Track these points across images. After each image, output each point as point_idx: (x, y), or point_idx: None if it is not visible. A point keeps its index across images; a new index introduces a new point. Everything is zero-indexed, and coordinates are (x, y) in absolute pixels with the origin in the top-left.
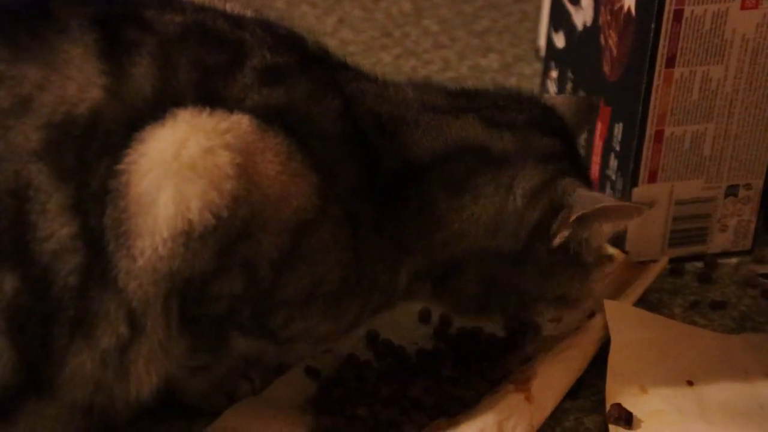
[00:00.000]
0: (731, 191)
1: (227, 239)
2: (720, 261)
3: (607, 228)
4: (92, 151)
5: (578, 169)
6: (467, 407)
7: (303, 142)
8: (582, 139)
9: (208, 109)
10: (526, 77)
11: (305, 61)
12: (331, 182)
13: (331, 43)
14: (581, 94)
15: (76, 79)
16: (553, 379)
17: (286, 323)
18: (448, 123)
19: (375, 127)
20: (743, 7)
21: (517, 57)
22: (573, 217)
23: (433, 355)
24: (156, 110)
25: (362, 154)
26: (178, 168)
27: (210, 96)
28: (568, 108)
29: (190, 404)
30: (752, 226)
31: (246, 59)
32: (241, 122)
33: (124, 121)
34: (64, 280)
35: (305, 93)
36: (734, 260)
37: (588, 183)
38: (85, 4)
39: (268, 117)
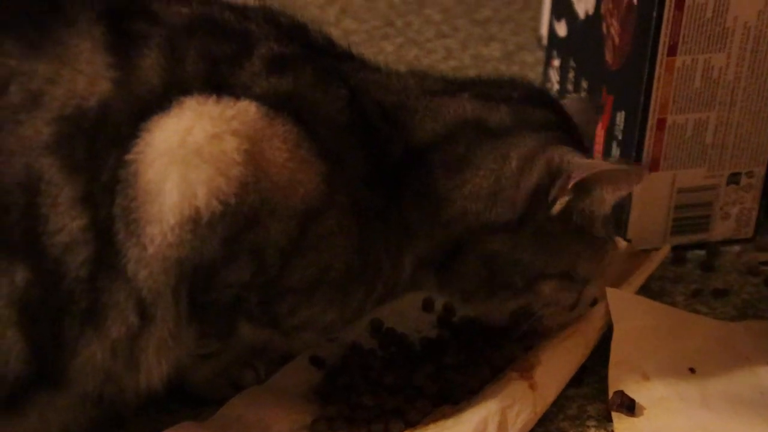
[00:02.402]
0: (733, 179)
1: (236, 226)
2: (722, 249)
3: (609, 195)
4: (102, 144)
5: (574, 140)
6: (471, 395)
7: (310, 130)
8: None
9: (214, 97)
10: (528, 66)
11: (310, 50)
12: (338, 170)
13: (334, 33)
14: (583, 82)
15: (86, 73)
16: (556, 366)
17: (292, 311)
18: (446, 103)
19: (379, 116)
20: None
21: (519, 46)
22: (571, 183)
23: (437, 343)
24: (164, 101)
25: (368, 143)
26: (184, 155)
27: (218, 85)
28: (574, 107)
29: (195, 393)
30: (754, 213)
31: (253, 49)
32: (248, 109)
33: (133, 112)
34: (76, 273)
35: (311, 82)
36: (736, 248)
37: (584, 153)
38: None
39: (276, 104)
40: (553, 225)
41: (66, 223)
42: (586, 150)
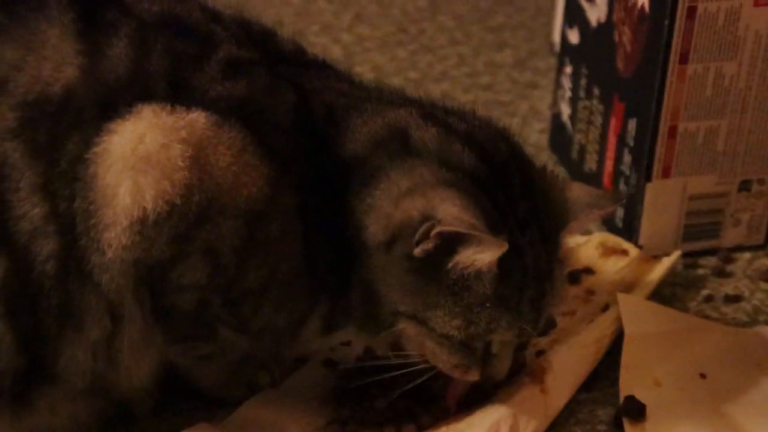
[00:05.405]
0: (744, 186)
1: (184, 225)
2: (733, 255)
3: (472, 256)
4: (63, 128)
5: (492, 197)
6: (483, 399)
7: (258, 135)
8: (595, 142)
9: (169, 107)
10: (540, 72)
11: (271, 57)
12: (283, 174)
13: (347, 39)
14: (595, 89)
15: (52, 59)
16: (567, 371)
17: (254, 312)
18: (388, 110)
19: (326, 119)
20: (756, 4)
21: (531, 52)
22: (434, 232)
23: None
24: (127, 91)
25: (314, 148)
26: (135, 161)
27: (178, 84)
28: (581, 193)
29: (210, 394)
30: (765, 220)
31: (213, 52)
32: (198, 119)
33: (97, 98)
34: (42, 266)
35: (263, 87)
36: (747, 254)
37: (498, 221)
38: None
39: (227, 109)
40: (415, 263)
41: (27, 209)
42: (508, 216)
